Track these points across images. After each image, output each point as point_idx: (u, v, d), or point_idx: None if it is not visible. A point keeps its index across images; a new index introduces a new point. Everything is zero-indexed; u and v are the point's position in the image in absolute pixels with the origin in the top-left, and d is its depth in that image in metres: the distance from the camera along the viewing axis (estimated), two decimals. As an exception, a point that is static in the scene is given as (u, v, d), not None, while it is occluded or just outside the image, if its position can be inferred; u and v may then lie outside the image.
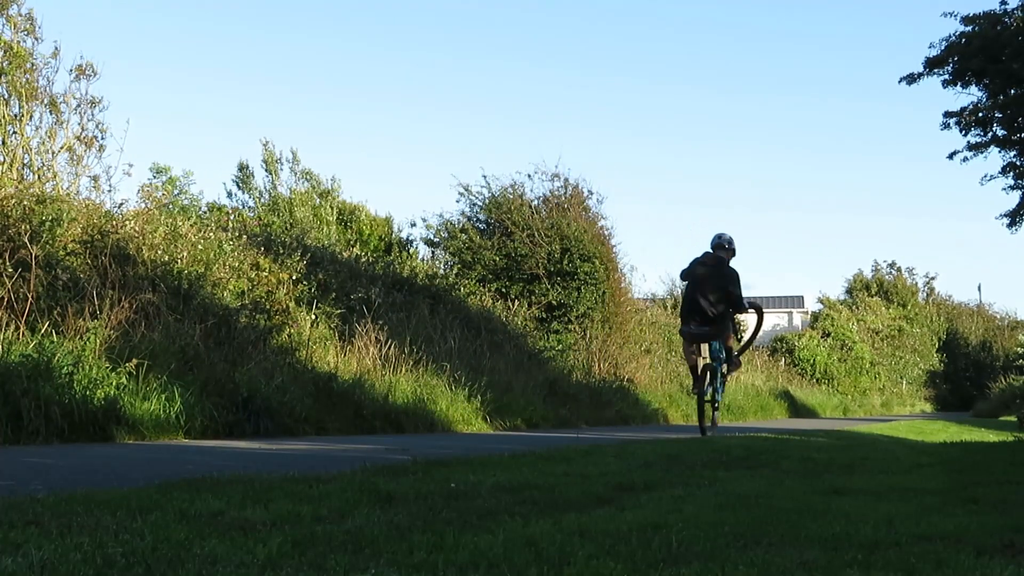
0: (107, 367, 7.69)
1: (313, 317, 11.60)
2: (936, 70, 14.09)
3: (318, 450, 7.18)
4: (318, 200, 20.80)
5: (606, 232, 19.62)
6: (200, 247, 10.39)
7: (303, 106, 71.75)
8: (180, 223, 10.67)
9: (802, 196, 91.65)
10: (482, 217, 19.06)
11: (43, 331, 7.75)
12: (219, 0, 70.45)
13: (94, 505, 3.46)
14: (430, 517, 3.53)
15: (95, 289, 8.51)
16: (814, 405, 28.82)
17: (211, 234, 10.98)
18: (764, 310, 12.76)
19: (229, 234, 11.57)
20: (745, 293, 11.15)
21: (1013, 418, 21.44)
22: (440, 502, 3.91)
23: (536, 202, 19.05)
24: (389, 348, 11.87)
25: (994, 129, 14.55)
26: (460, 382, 12.16)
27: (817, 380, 34.21)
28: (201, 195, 18.78)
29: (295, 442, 8.09)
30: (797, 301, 51.95)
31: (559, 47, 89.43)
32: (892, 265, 50.03)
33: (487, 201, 18.98)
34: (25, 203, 8.70)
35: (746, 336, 12.60)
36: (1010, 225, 15.09)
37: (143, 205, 10.61)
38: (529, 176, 19.50)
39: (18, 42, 11.01)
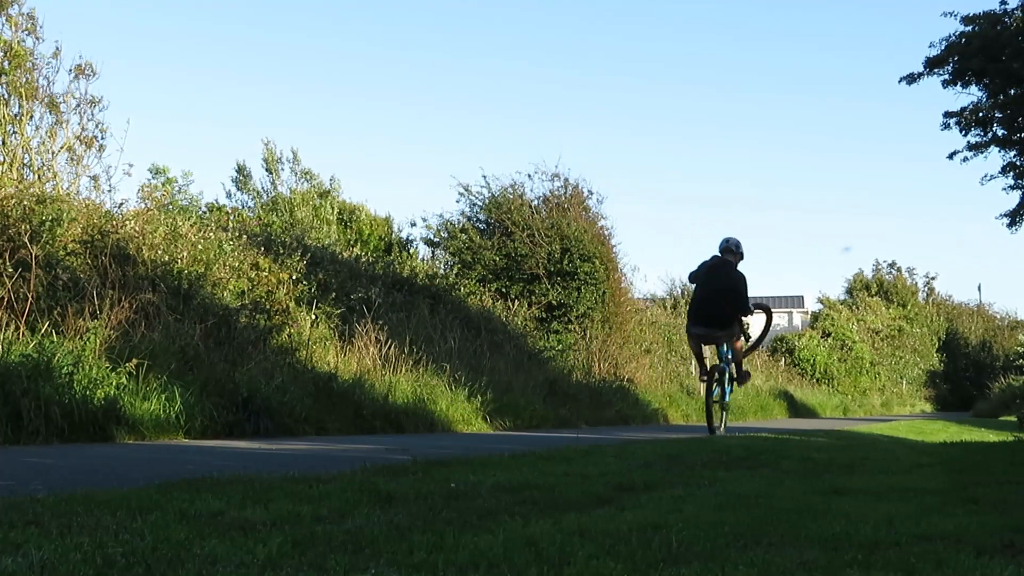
0: (107, 367, 7.69)
1: (313, 317, 11.60)
2: (936, 70, 14.10)
3: (318, 450, 7.18)
4: (318, 200, 20.79)
5: (606, 232, 19.63)
6: (200, 247, 10.39)
7: (303, 106, 71.82)
8: (180, 223, 10.66)
9: (802, 196, 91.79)
10: (482, 217, 19.05)
11: (43, 331, 7.75)
12: (219, 0, 70.45)
13: (94, 505, 3.46)
14: (430, 517, 3.53)
15: (95, 289, 8.51)
16: (814, 405, 28.81)
17: (211, 234, 10.97)
18: (768, 308, 12.89)
19: (229, 234, 11.56)
20: (748, 294, 11.24)
21: (1013, 418, 21.44)
22: (440, 502, 3.91)
23: (536, 202, 19.04)
24: (389, 348, 11.87)
25: (994, 129, 14.55)
26: (460, 382, 12.16)
27: (817, 380, 34.20)
28: (200, 195, 18.77)
29: (295, 442, 8.09)
30: (797, 301, 51.98)
31: (559, 47, 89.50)
32: (892, 265, 50.08)
33: (487, 201, 18.97)
34: (25, 203, 8.69)
35: (754, 337, 12.66)
36: (1010, 225, 15.10)
37: (143, 205, 10.61)
38: (529, 176, 19.50)
39: (19, 42, 11.00)
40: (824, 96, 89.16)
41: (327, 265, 13.65)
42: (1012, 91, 13.73)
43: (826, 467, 6.25)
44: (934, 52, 14.01)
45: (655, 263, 70.25)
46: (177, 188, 17.02)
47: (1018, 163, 14.80)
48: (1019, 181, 14.91)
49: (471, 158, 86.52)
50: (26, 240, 8.20)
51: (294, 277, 11.71)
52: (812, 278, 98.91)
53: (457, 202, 20.58)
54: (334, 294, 12.48)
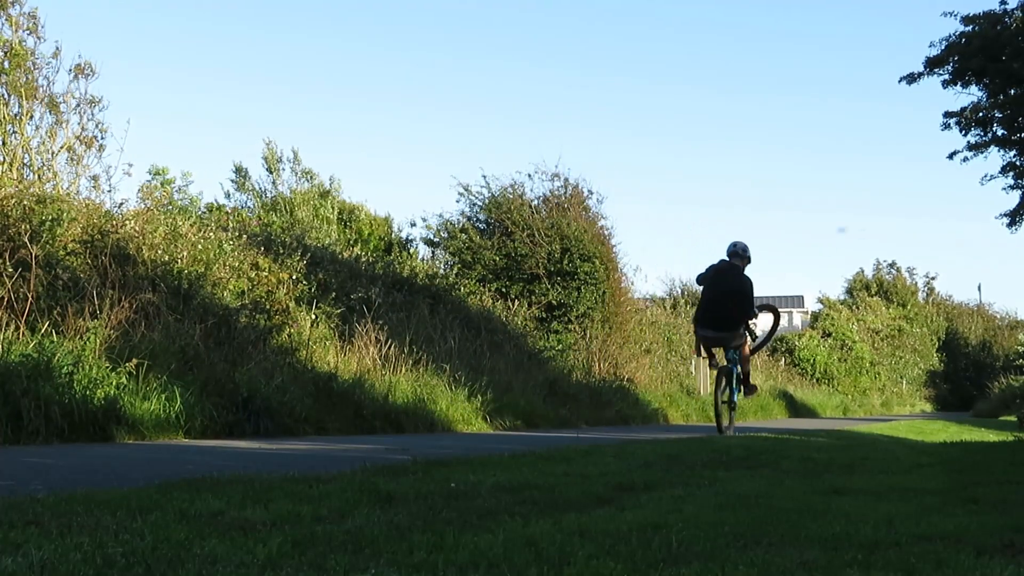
0: (107, 367, 7.69)
1: (313, 317, 11.60)
2: (936, 70, 14.09)
3: (318, 450, 7.18)
4: (318, 200, 20.79)
5: (606, 232, 19.63)
6: (200, 247, 10.39)
7: (303, 106, 71.83)
8: (180, 223, 10.66)
9: (802, 196, 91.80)
10: (482, 217, 19.05)
11: (43, 331, 7.75)
12: (219, 0, 70.46)
13: (94, 505, 3.46)
14: (430, 517, 3.53)
15: (95, 289, 8.51)
16: (814, 405, 28.80)
17: (211, 234, 10.97)
18: (776, 308, 13.35)
19: (229, 234, 11.56)
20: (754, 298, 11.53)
21: (1013, 418, 21.44)
22: (440, 502, 3.91)
23: (536, 202, 19.04)
24: (389, 348, 11.87)
25: (994, 129, 14.54)
26: (460, 382, 12.16)
27: (817, 380, 34.20)
28: (200, 195, 18.76)
29: (295, 442, 8.09)
30: (797, 301, 51.97)
31: (559, 47, 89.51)
32: (892, 265, 50.08)
33: (487, 201, 18.97)
34: (25, 203, 8.69)
35: (760, 337, 12.84)
36: (1010, 225, 15.08)
37: (143, 205, 10.61)
38: (529, 176, 19.50)
39: (19, 41, 11.00)
40: (825, 96, 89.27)
41: (327, 265, 13.65)
42: (1012, 91, 13.73)
43: (826, 467, 6.25)
44: (934, 52, 14.01)
45: (656, 263, 70.22)
46: (176, 189, 17.01)
47: (1018, 163, 14.79)
48: (1019, 181, 14.90)
49: (471, 158, 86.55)
50: (26, 240, 8.20)
51: (294, 277, 11.71)
52: (812, 278, 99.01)
53: (457, 202, 20.61)
54: (334, 294, 12.48)
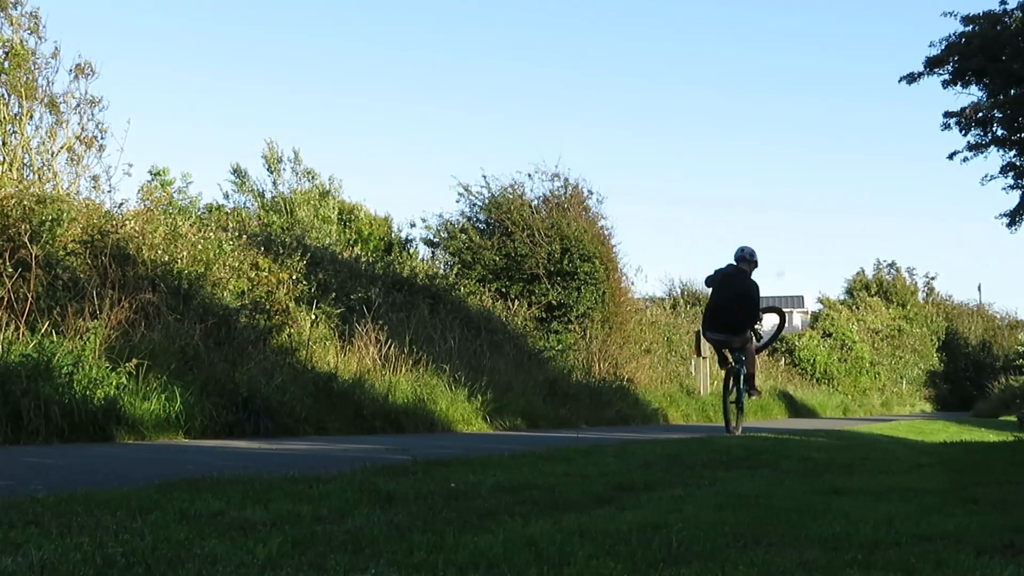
0: (107, 367, 7.69)
1: (313, 317, 11.60)
2: (936, 70, 14.10)
3: (318, 450, 7.18)
4: (318, 200, 20.79)
5: (606, 232, 19.63)
6: (200, 247, 10.39)
7: (303, 106, 71.84)
8: (180, 223, 10.67)
9: (802, 196, 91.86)
10: (482, 217, 19.05)
11: (43, 331, 7.75)
12: (219, 0, 70.46)
13: (94, 505, 3.46)
14: (430, 517, 3.53)
15: (95, 289, 8.51)
16: (814, 405, 28.80)
17: (211, 234, 10.98)
18: (782, 310, 13.74)
19: (229, 234, 11.57)
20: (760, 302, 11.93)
21: (1013, 418, 21.43)
22: (440, 502, 3.91)
23: (536, 202, 19.04)
24: (389, 348, 11.87)
25: (994, 129, 14.54)
26: (460, 382, 12.16)
27: (817, 380, 34.20)
28: (200, 196, 18.76)
29: (295, 442, 8.09)
30: (797, 301, 52.00)
31: (559, 47, 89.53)
32: (892, 265, 50.07)
33: (487, 201, 18.97)
34: (25, 203, 8.69)
35: (765, 338, 13.13)
36: (1010, 225, 15.08)
37: (143, 205, 10.61)
38: (529, 176, 19.50)
39: (20, 41, 11.00)
40: (825, 96, 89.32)
41: (327, 265, 13.65)
42: (1012, 91, 13.72)
43: (826, 467, 6.25)
44: (934, 52, 14.02)
45: (656, 263, 70.29)
46: (176, 190, 17.00)
47: (1018, 163, 14.79)
48: (1019, 181, 14.91)
49: (471, 158, 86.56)
50: (26, 240, 8.20)
51: (294, 277, 11.72)
52: (812, 278, 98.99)
53: (457, 202, 20.59)
54: (334, 294, 12.48)
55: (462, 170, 55.49)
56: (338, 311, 12.28)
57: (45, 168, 11.09)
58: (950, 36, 13.89)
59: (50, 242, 8.64)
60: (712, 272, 11.76)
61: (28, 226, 8.42)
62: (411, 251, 20.41)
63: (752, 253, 11.58)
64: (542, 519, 3.56)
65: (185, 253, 10.13)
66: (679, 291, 32.56)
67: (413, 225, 22.21)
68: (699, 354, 21.38)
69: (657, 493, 4.52)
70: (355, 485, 4.25)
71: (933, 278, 52.50)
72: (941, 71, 14.08)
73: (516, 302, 17.52)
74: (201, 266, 10.25)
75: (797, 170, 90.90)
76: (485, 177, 19.22)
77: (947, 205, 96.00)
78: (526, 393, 13.63)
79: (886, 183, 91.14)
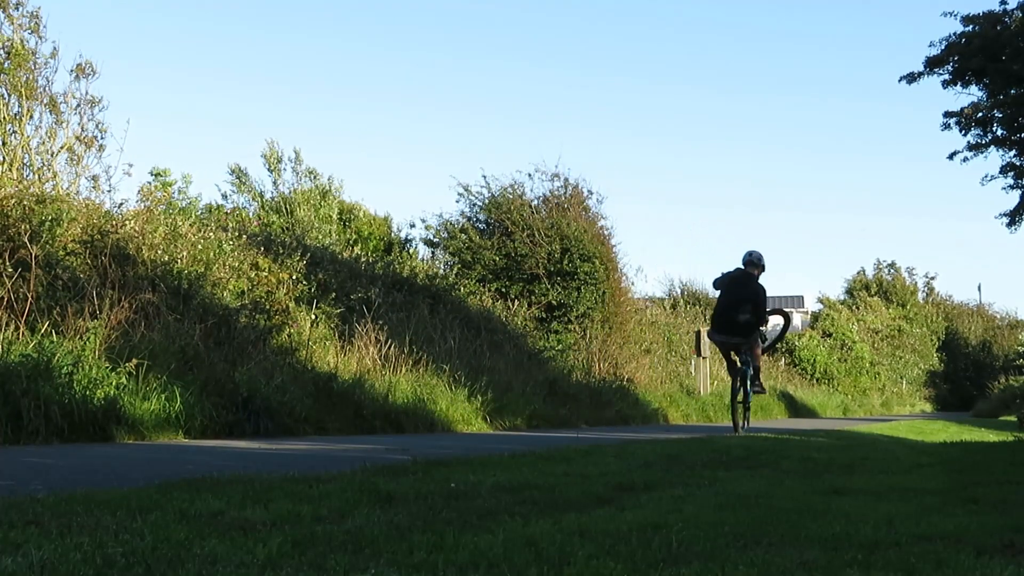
0: (107, 367, 7.69)
1: (313, 317, 11.60)
2: (936, 70, 14.09)
3: (318, 450, 7.18)
4: (319, 200, 20.78)
5: (606, 232, 19.63)
6: (200, 247, 10.40)
7: (303, 106, 71.76)
8: (180, 223, 10.67)
9: (802, 196, 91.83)
10: (482, 217, 19.05)
11: (43, 331, 7.75)
12: (219, 0, 70.48)
13: (94, 505, 3.46)
14: (430, 517, 3.53)
15: (95, 289, 8.51)
16: (814, 405, 28.81)
17: (211, 234, 10.98)
18: (786, 312, 14.11)
19: (229, 234, 11.57)
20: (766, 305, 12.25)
21: (1013, 418, 21.44)
22: (440, 502, 3.91)
23: (536, 202, 19.03)
24: (389, 348, 11.87)
25: (994, 129, 14.54)
26: (460, 382, 12.16)
27: (817, 380, 34.20)
28: (199, 196, 18.75)
29: (295, 442, 8.09)
30: (797, 301, 51.92)
31: (559, 47, 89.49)
32: (892, 265, 50.06)
33: (487, 201, 18.97)
34: (25, 203, 8.69)
35: (770, 339, 13.49)
36: (1009, 225, 15.07)
37: (143, 205, 10.61)
38: (529, 176, 19.49)
39: (20, 41, 10.99)
40: (825, 96, 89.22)
41: (327, 265, 13.65)
42: (1012, 91, 13.72)
43: (826, 467, 6.25)
44: (934, 52, 14.02)
45: (656, 263, 70.22)
46: (176, 191, 16.99)
47: (1018, 163, 14.79)
48: (1019, 181, 14.90)
49: (471, 158, 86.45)
50: (26, 240, 8.20)
51: (294, 277, 11.72)
52: (812, 278, 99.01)
53: (457, 202, 20.58)
54: (334, 294, 12.48)
55: (462, 170, 55.50)
56: (338, 311, 12.28)
57: (45, 168, 11.08)
58: (950, 36, 13.89)
59: (50, 242, 8.64)
60: (720, 275, 11.98)
61: (28, 226, 8.42)
62: (411, 251, 20.40)
63: (760, 257, 11.72)
64: (542, 519, 3.56)
65: (185, 253, 10.13)
66: (679, 291, 32.56)
67: (413, 225, 22.21)
68: (699, 354, 21.39)
69: (657, 493, 4.52)
70: (355, 485, 4.25)
71: (933, 278, 52.55)
72: (941, 71, 14.09)
73: (516, 302, 17.52)
74: (201, 266, 10.25)
75: (797, 170, 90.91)
76: (485, 177, 19.23)
77: (947, 205, 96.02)
78: (526, 393, 13.63)
79: (886, 183, 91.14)
